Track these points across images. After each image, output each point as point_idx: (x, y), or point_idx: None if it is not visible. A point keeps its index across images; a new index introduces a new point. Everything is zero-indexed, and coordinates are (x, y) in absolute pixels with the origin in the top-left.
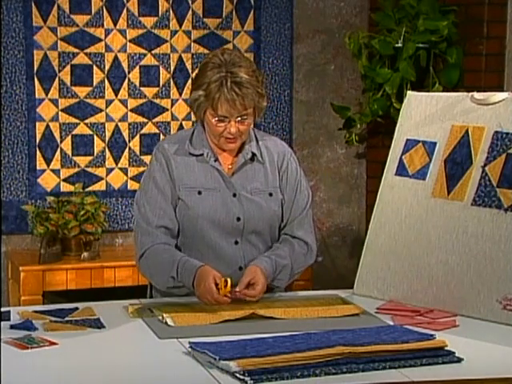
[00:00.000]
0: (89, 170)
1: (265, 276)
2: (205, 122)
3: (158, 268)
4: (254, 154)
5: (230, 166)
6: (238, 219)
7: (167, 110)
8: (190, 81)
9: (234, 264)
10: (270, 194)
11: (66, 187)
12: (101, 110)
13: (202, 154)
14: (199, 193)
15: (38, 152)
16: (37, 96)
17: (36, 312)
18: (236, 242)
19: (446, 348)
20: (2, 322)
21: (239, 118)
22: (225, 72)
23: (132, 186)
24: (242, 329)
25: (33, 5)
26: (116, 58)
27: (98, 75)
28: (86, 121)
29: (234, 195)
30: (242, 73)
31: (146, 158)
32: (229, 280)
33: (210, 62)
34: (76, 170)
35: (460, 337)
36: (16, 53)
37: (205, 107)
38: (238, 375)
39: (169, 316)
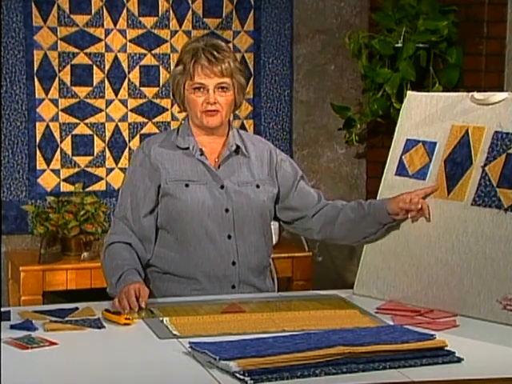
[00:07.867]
0: (89, 169)
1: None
2: (186, 103)
3: (107, 272)
4: (238, 147)
5: (216, 160)
6: (227, 210)
7: (167, 109)
8: None
9: (227, 258)
10: (258, 186)
11: (65, 187)
12: (101, 110)
13: (187, 148)
14: (186, 185)
15: (38, 152)
16: (37, 96)
17: (36, 312)
18: (229, 237)
19: (446, 348)
20: (2, 322)
21: (218, 88)
22: (202, 45)
23: None
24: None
25: (33, 5)
26: (116, 57)
27: (98, 75)
28: (86, 121)
29: (222, 187)
30: (218, 42)
31: None
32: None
33: (189, 45)
34: (76, 169)
35: (460, 337)
36: (16, 53)
37: (183, 81)
38: (238, 375)
39: (170, 323)
